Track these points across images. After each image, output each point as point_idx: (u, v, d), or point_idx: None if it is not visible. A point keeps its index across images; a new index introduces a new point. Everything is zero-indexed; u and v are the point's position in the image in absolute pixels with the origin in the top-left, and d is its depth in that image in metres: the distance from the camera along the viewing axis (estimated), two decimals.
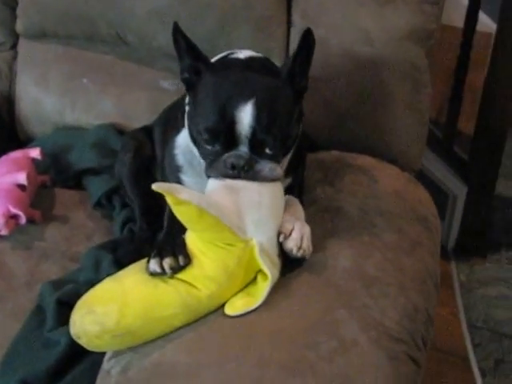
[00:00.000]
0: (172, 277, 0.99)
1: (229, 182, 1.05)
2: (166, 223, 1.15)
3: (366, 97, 1.46)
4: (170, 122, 1.37)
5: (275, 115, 1.05)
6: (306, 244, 1.07)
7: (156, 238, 1.18)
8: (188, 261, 1.00)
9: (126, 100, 1.66)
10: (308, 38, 1.06)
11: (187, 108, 1.16)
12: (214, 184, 1.07)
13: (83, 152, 1.58)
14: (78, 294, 1.03)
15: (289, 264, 1.08)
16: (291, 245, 1.06)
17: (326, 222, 1.22)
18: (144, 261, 1.03)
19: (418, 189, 1.41)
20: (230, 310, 1.03)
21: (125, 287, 0.99)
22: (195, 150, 1.13)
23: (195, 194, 1.00)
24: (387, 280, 1.10)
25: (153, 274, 0.99)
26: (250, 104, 1.02)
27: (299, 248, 1.06)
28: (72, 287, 1.19)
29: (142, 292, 0.98)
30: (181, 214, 1.00)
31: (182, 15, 1.47)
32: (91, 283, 1.05)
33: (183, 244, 1.04)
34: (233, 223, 1.01)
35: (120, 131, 1.63)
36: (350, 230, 1.19)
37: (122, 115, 1.66)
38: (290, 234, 1.06)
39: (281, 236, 1.06)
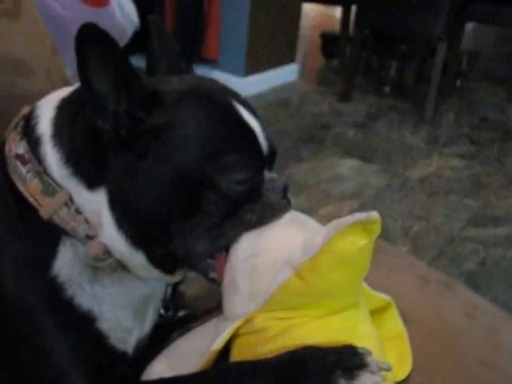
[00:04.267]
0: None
1: (282, 221, 0.79)
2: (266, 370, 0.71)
3: None
4: None
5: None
6: None
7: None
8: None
9: None
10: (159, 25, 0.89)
11: (106, 190, 0.74)
12: (271, 232, 0.77)
13: None
14: None
15: None
16: None
17: None
18: None
19: None
20: (400, 373, 0.86)
21: None
22: (139, 257, 0.77)
23: None
24: None
25: None
26: (247, 112, 0.79)
27: None
28: None
29: None
30: (367, 249, 0.72)
31: None
32: None
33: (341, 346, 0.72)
34: None
35: None
36: None
37: None
38: None
39: None
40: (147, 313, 0.87)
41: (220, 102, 0.78)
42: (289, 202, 0.82)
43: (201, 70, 3.78)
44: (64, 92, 0.80)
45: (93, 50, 0.66)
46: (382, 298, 0.89)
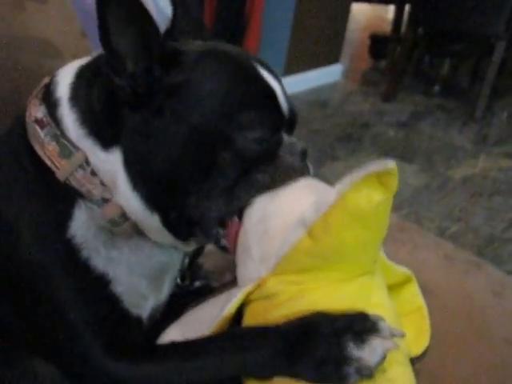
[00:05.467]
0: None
1: (297, 184, 0.76)
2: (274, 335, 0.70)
3: None
4: None
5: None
6: None
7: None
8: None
9: None
10: None
11: (122, 147, 0.73)
12: (284, 196, 0.74)
13: None
14: None
15: None
16: None
17: None
18: None
19: None
20: (416, 349, 0.82)
21: None
22: (153, 219, 0.76)
23: None
24: None
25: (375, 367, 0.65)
26: (268, 73, 0.77)
27: None
28: None
29: None
30: (383, 208, 0.67)
31: None
32: None
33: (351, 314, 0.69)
34: None
35: None
36: None
37: None
38: None
39: None
40: (164, 281, 0.87)
41: (240, 61, 0.77)
42: (307, 167, 0.80)
43: None
44: (83, 61, 0.81)
45: (114, 8, 0.66)
46: (401, 271, 0.86)
